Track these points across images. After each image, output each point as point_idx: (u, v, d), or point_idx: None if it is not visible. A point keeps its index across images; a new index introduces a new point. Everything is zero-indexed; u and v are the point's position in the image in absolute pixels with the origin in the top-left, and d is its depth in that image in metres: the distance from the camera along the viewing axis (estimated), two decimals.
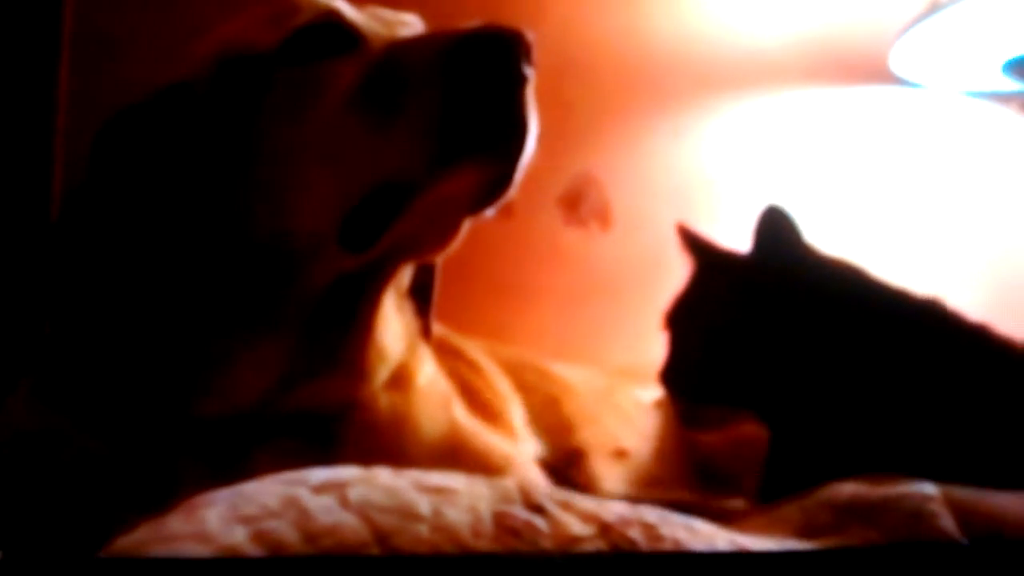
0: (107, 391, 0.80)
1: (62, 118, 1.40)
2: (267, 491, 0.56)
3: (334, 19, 0.81)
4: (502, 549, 0.53)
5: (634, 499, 0.63)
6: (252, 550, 0.50)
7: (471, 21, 0.75)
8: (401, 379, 0.89)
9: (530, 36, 0.74)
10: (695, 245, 0.93)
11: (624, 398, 1.20)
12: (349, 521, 0.53)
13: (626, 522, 0.56)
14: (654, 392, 1.12)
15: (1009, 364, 0.83)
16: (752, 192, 1.62)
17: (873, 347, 0.84)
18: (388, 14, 0.86)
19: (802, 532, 0.66)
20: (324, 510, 0.54)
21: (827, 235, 0.94)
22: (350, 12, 0.83)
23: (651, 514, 0.58)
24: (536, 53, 0.75)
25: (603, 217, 1.61)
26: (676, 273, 0.93)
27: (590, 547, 0.54)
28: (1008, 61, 1.54)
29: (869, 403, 0.82)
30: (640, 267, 1.55)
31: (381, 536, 0.52)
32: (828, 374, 0.83)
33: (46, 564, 0.56)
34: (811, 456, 0.82)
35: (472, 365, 1.07)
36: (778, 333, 0.85)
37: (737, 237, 0.91)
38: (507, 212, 0.82)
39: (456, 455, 0.87)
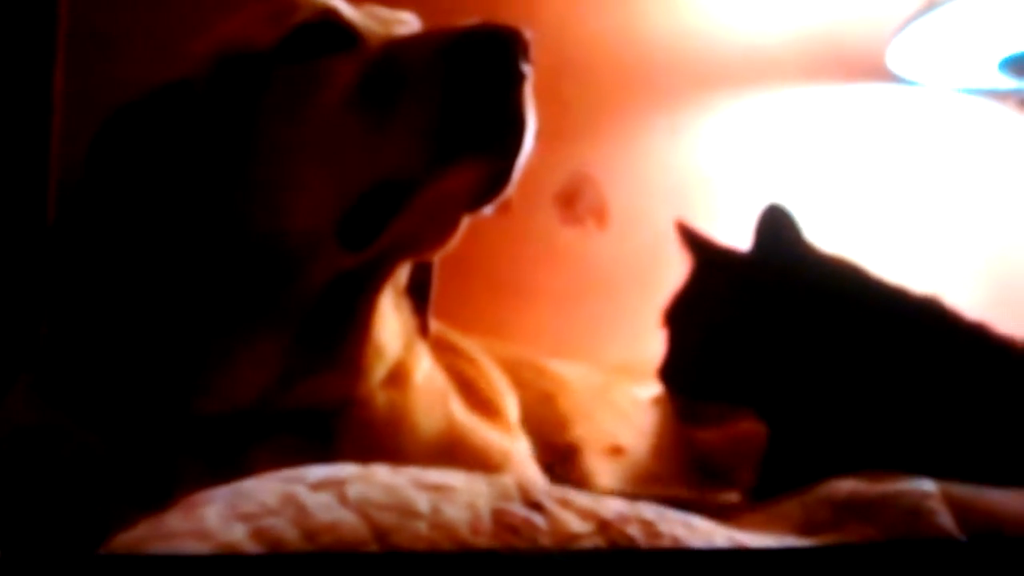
0: (106, 388, 0.80)
1: (58, 117, 1.40)
2: (266, 488, 0.56)
3: (332, 17, 0.82)
4: (501, 546, 0.53)
5: (632, 495, 0.63)
6: (251, 547, 0.50)
7: (468, 20, 0.75)
8: (399, 376, 0.89)
9: (528, 34, 0.74)
10: (694, 242, 0.93)
11: (620, 395, 1.19)
12: (348, 518, 0.53)
13: (624, 519, 0.56)
14: (651, 389, 1.12)
15: (1007, 362, 0.84)
16: (749, 190, 1.62)
17: (872, 345, 0.84)
18: (385, 12, 0.86)
19: (800, 529, 0.66)
20: (323, 507, 0.54)
21: (824, 233, 0.94)
22: (348, 11, 0.83)
23: (649, 511, 0.58)
24: (533, 51, 0.75)
25: (600, 215, 1.61)
26: (673, 271, 0.94)
27: (588, 544, 0.54)
28: (1004, 59, 1.54)
29: (868, 400, 0.82)
30: (637, 265, 1.55)
31: (380, 533, 0.52)
32: (827, 371, 0.84)
33: (45, 561, 0.56)
34: (809, 453, 0.82)
35: (470, 361, 1.07)
36: (777, 330, 0.85)
37: (734, 235, 0.91)
38: (504, 210, 0.82)
39: (454, 452, 0.87)
